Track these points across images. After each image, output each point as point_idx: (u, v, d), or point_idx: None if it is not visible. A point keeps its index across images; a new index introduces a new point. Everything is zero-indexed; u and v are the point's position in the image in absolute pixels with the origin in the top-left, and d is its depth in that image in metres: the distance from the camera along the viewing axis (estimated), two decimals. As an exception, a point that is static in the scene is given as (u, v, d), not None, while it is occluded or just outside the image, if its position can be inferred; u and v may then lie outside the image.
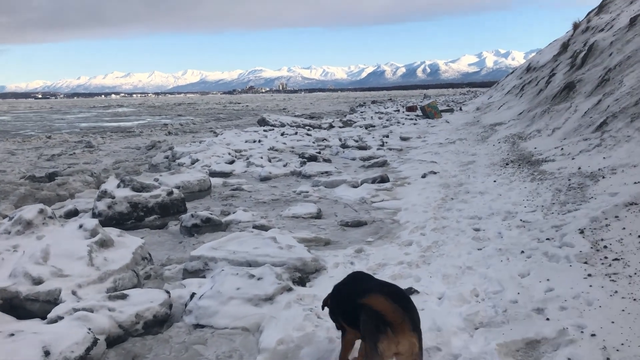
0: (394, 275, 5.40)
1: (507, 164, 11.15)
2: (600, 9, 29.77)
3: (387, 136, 21.53)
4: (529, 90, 25.79)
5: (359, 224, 7.89)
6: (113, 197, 8.16)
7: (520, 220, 6.75)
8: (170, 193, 8.72)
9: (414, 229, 7.19)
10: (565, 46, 27.84)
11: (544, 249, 5.40)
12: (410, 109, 42.28)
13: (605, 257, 4.81)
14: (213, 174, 13.07)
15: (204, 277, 5.66)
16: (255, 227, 7.61)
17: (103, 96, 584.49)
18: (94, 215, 8.10)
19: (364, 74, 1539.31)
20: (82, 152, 20.07)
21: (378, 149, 16.89)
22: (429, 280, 5.15)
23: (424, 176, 11.15)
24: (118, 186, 8.63)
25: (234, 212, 8.67)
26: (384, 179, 10.68)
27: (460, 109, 39.13)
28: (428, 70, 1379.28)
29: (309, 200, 9.81)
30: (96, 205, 8.11)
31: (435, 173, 11.32)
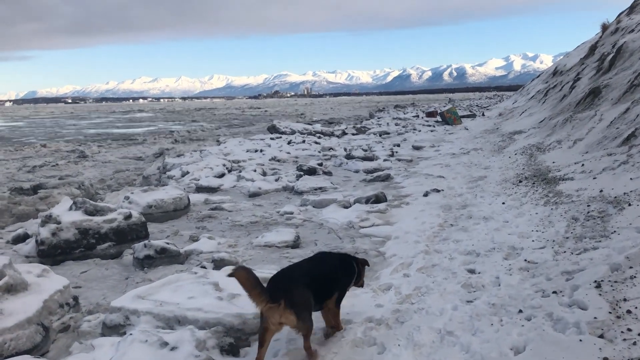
0: (355, 340, 4.23)
1: (520, 181, 9.87)
2: (631, 9, 28.11)
3: (399, 145, 20.30)
4: (552, 95, 24.30)
5: (338, 256, 6.73)
6: (59, 223, 7.15)
7: (525, 260, 5.52)
8: (128, 217, 7.68)
9: (398, 267, 6.00)
10: (593, 49, 26.26)
11: (548, 308, 4.19)
12: (430, 114, 40.88)
13: (629, 330, 3.58)
14: (200, 188, 12.05)
15: (124, 333, 4.59)
16: (214, 260, 6.53)
17: (131, 101, 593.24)
18: (36, 243, 7.12)
19: (389, 78, 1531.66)
20: (66, 164, 19.23)
21: (385, 160, 15.69)
22: (396, 351, 3.98)
23: (426, 194, 9.94)
24: (70, 208, 7.63)
25: (197, 240, 7.60)
26: (379, 199, 9.49)
27: (483, 115, 37.63)
28: (454, 73, 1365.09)
29: (291, 223, 8.68)
30: (39, 231, 7.11)
31: (439, 191, 10.09)
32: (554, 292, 4.47)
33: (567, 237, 5.92)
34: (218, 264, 6.40)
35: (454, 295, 4.90)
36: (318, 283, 4.06)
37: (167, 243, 6.91)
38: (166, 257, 6.77)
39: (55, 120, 70.36)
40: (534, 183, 9.42)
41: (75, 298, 5.36)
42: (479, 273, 5.45)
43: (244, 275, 3.60)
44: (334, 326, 4.42)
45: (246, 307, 4.58)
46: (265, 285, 3.75)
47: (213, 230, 8.46)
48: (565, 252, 5.47)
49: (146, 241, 6.92)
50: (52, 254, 7.00)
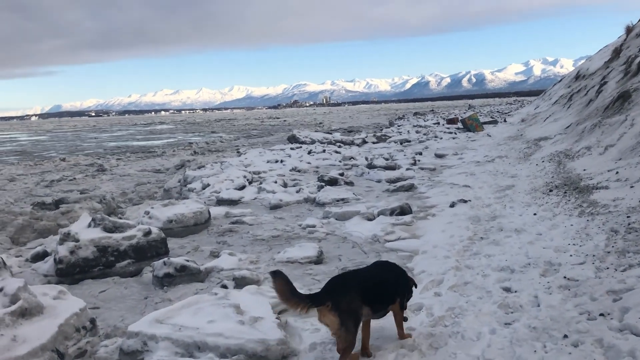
0: (385, 368, 3.94)
1: (550, 190, 9.48)
2: (656, 10, 27.38)
3: (421, 153, 19.95)
4: (577, 100, 23.74)
5: (364, 273, 6.44)
6: (77, 241, 6.99)
7: (564, 277, 5.17)
8: (147, 233, 7.49)
9: (428, 284, 5.70)
10: (617, 52, 25.63)
11: (597, 333, 3.86)
12: (451, 121, 40.39)
13: (691, 359, 3.24)
14: (220, 201, 11.87)
15: (142, 360, 4.36)
16: (235, 278, 6.29)
17: (153, 113, 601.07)
18: (54, 262, 6.96)
19: (408, 85, 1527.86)
20: (84, 178, 19.20)
21: (408, 169, 15.37)
22: (431, 382, 3.68)
23: (452, 205, 9.61)
24: (89, 225, 7.47)
25: (218, 256, 7.38)
26: (404, 210, 9.19)
27: (505, 121, 37.07)
28: (473, 80, 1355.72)
29: (313, 237, 8.42)
30: (57, 250, 6.95)
31: (465, 201, 9.75)
32: (601, 315, 4.13)
33: (609, 252, 5.56)
34: (239, 282, 6.17)
35: (491, 317, 4.58)
36: (371, 290, 4.10)
37: (187, 260, 6.70)
38: (186, 275, 6.56)
39: (77, 133, 71.33)
40: (565, 192, 9.04)
41: (93, 321, 5.15)
42: (515, 292, 5.12)
43: (281, 285, 3.80)
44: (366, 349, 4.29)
45: (269, 332, 4.34)
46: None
47: (234, 245, 8.24)
48: (608, 268, 5.11)
49: (166, 259, 6.71)
50: (71, 272, 6.83)
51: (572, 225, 6.99)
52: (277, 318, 4.70)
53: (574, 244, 6.17)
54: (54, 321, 4.71)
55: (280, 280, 3.79)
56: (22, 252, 8.46)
